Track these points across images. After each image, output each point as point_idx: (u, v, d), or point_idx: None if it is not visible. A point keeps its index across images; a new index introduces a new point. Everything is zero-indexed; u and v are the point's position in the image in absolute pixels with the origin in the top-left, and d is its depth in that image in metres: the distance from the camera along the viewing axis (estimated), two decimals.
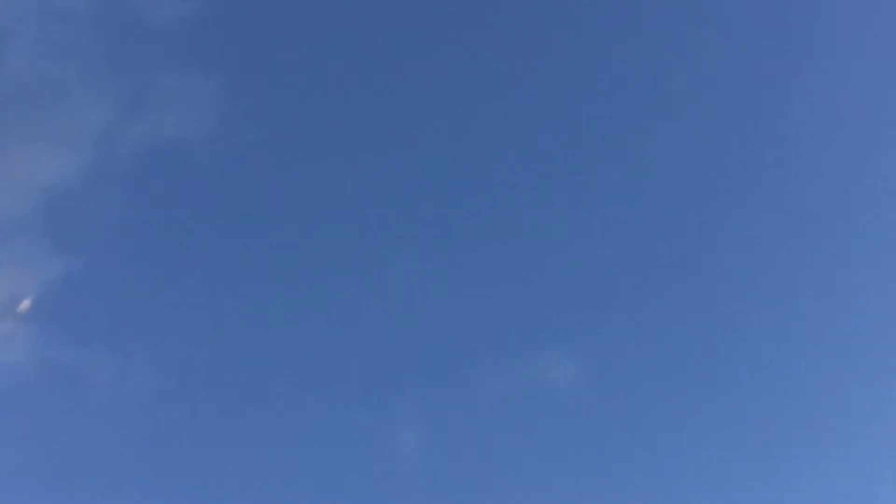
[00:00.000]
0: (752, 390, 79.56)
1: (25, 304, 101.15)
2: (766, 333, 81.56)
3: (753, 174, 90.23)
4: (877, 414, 66.19)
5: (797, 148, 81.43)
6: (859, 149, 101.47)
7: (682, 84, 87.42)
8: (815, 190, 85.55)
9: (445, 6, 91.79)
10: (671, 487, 78.83)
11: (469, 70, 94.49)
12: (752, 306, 79.84)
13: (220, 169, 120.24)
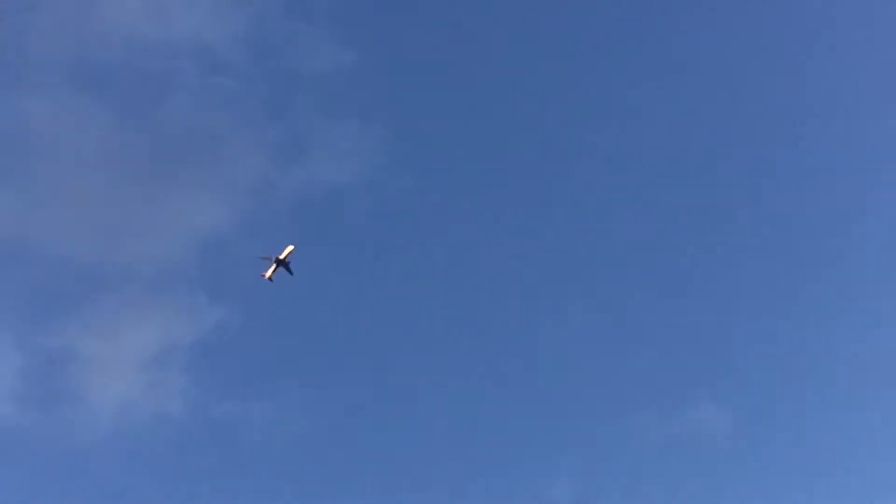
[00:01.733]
0: None
1: (269, 273, 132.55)
2: None
3: None
4: None
5: None
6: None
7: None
8: None
9: None
10: None
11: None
12: None
13: (378, 215, 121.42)
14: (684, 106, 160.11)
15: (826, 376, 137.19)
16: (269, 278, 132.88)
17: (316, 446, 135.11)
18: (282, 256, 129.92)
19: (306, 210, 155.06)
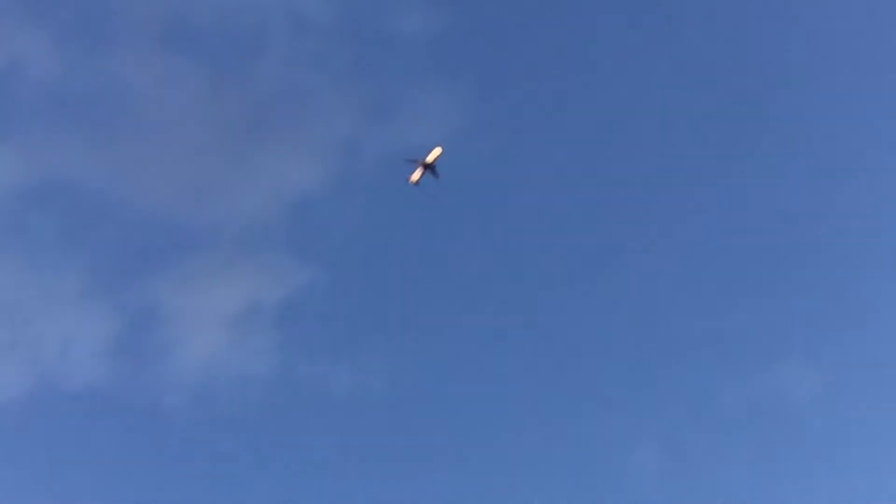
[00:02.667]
0: None
1: (416, 177, 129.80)
2: None
3: None
4: None
5: None
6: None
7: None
8: None
9: None
10: None
11: None
12: None
13: (464, 176, 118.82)
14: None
15: None
16: (416, 182, 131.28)
17: (402, 408, 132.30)
18: (429, 160, 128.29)
19: (394, 171, 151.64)
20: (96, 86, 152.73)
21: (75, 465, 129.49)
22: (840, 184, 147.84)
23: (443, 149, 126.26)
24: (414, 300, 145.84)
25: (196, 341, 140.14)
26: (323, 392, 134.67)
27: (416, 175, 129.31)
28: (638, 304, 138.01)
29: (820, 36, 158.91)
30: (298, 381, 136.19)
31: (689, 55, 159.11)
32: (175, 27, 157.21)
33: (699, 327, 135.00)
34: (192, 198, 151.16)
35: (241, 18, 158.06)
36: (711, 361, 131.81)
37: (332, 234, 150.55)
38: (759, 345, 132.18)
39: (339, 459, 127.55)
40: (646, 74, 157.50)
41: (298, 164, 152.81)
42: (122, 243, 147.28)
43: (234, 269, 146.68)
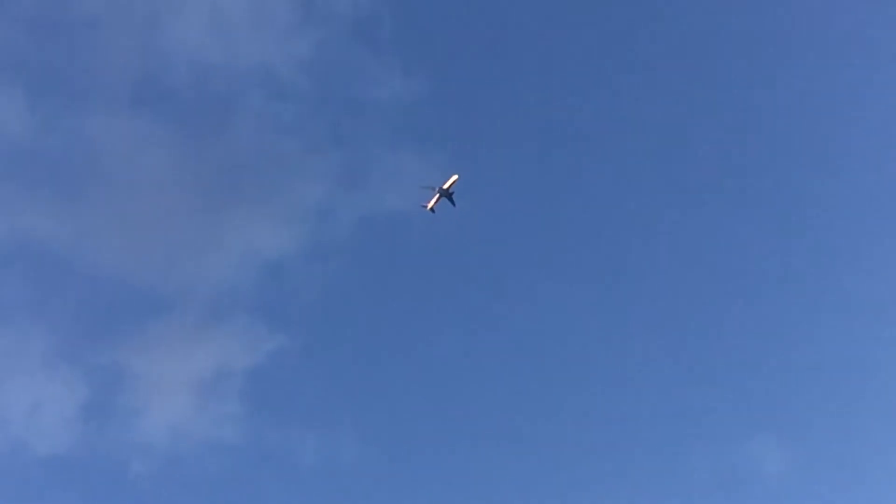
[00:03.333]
0: None
1: (431, 203, 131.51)
2: None
3: None
4: None
5: None
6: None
7: None
8: None
9: None
10: None
11: None
12: None
13: (438, 243, 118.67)
14: None
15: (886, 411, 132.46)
16: (431, 209, 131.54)
17: (368, 475, 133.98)
18: (445, 186, 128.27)
19: (367, 237, 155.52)
20: (68, 146, 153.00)
21: None
22: (809, 269, 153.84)
23: (459, 176, 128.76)
24: (386, 368, 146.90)
25: (164, 406, 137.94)
26: (291, 460, 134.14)
27: (433, 202, 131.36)
28: (615, 382, 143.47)
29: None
30: (266, 449, 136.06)
31: (660, 143, 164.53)
32: (150, 89, 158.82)
33: (676, 401, 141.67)
34: (163, 261, 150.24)
35: (217, 82, 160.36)
36: (686, 434, 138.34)
37: (304, 301, 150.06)
38: (732, 420, 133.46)
39: None
40: (615, 145, 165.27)
41: (271, 228, 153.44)
42: (91, 306, 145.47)
43: (203, 334, 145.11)
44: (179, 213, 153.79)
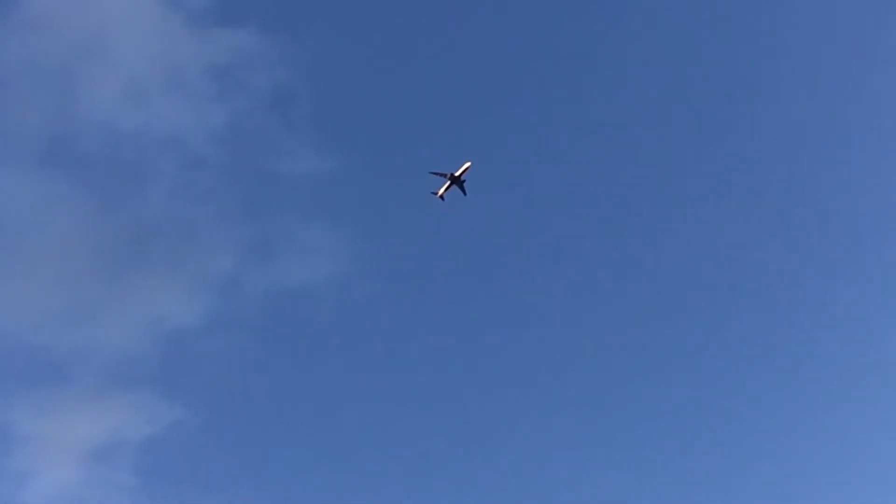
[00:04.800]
0: None
1: (441, 191, 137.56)
2: None
3: None
4: None
5: None
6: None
7: None
8: None
9: None
10: None
11: None
12: None
13: (343, 319, 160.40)
14: None
15: None
16: (441, 197, 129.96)
17: None
18: (457, 173, 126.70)
19: (274, 310, 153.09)
20: None
21: None
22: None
23: (471, 163, 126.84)
24: (286, 446, 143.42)
25: (53, 472, 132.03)
26: None
27: (442, 189, 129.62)
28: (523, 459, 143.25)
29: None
30: None
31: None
32: (60, 150, 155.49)
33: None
34: (63, 324, 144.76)
35: (130, 147, 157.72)
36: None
37: (205, 373, 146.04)
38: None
39: None
40: (520, 236, 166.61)
41: (176, 297, 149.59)
42: None
43: (99, 401, 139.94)
44: (83, 277, 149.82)
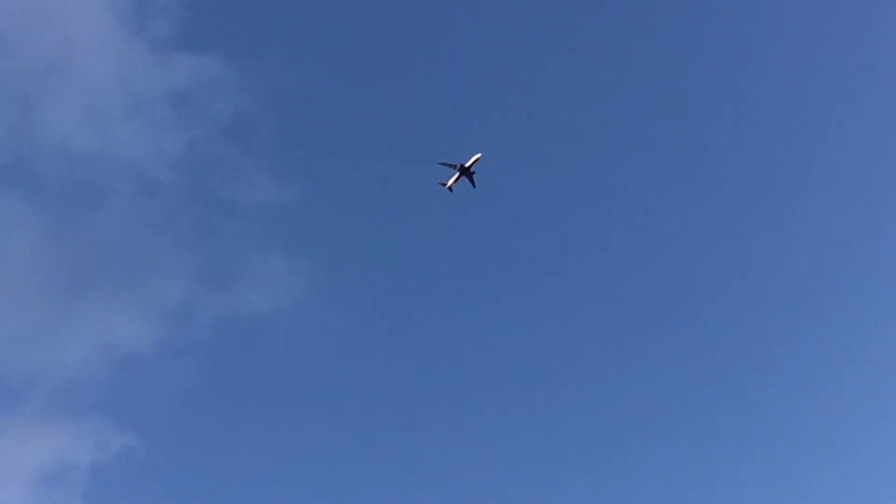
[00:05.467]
0: None
1: (451, 182, 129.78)
2: None
3: None
4: None
5: None
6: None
7: None
8: None
9: None
10: None
11: None
12: None
13: (297, 349, 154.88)
14: None
15: None
16: (449, 188, 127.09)
17: None
18: (467, 164, 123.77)
19: (228, 338, 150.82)
20: None
21: None
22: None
23: (482, 154, 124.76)
24: (239, 474, 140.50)
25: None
26: None
27: (452, 181, 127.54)
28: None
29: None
30: None
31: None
32: (17, 170, 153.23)
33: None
34: (13, 347, 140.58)
35: (87, 171, 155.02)
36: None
37: (158, 400, 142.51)
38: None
39: None
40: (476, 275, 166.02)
41: (130, 323, 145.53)
42: None
43: (49, 426, 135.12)
44: (36, 301, 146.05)
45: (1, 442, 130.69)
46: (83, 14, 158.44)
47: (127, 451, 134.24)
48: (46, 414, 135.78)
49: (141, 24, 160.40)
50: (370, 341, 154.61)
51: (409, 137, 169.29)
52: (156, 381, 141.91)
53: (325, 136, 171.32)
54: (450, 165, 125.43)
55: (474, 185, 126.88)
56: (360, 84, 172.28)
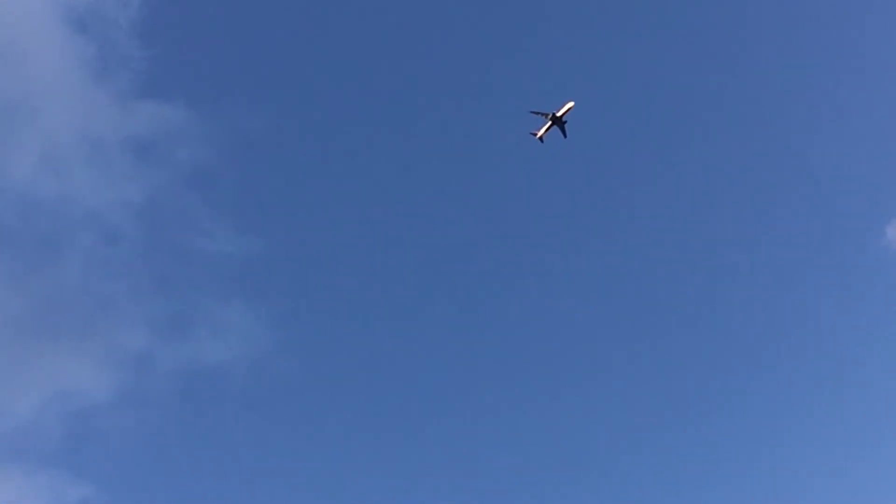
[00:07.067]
0: None
1: (541, 132, 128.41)
2: None
3: None
4: None
5: None
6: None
7: None
8: None
9: None
10: None
11: None
12: None
13: (256, 398, 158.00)
14: None
15: None
16: (540, 138, 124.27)
17: None
18: (559, 113, 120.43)
19: (186, 387, 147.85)
20: None
21: None
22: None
23: (574, 103, 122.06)
24: None
25: None
26: None
27: (542, 130, 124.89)
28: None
29: None
30: None
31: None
32: None
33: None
34: None
35: (46, 218, 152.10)
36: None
37: (114, 450, 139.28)
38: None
39: None
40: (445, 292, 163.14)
41: (86, 372, 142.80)
42: None
43: (0, 477, 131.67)
44: None
45: None
46: (45, 61, 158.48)
47: (83, 502, 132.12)
48: (1, 464, 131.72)
49: (103, 72, 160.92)
50: (329, 392, 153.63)
51: (371, 187, 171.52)
52: (113, 431, 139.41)
53: (287, 186, 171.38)
54: (541, 114, 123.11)
55: (565, 136, 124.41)
56: (323, 134, 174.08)
